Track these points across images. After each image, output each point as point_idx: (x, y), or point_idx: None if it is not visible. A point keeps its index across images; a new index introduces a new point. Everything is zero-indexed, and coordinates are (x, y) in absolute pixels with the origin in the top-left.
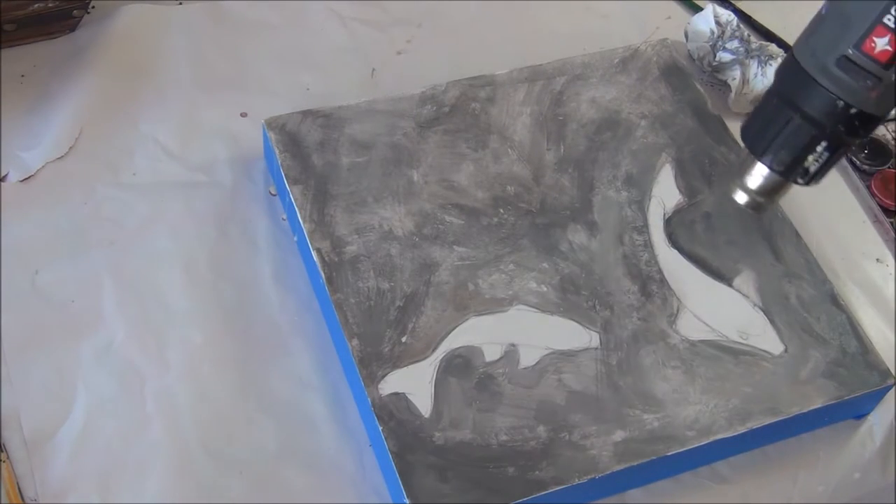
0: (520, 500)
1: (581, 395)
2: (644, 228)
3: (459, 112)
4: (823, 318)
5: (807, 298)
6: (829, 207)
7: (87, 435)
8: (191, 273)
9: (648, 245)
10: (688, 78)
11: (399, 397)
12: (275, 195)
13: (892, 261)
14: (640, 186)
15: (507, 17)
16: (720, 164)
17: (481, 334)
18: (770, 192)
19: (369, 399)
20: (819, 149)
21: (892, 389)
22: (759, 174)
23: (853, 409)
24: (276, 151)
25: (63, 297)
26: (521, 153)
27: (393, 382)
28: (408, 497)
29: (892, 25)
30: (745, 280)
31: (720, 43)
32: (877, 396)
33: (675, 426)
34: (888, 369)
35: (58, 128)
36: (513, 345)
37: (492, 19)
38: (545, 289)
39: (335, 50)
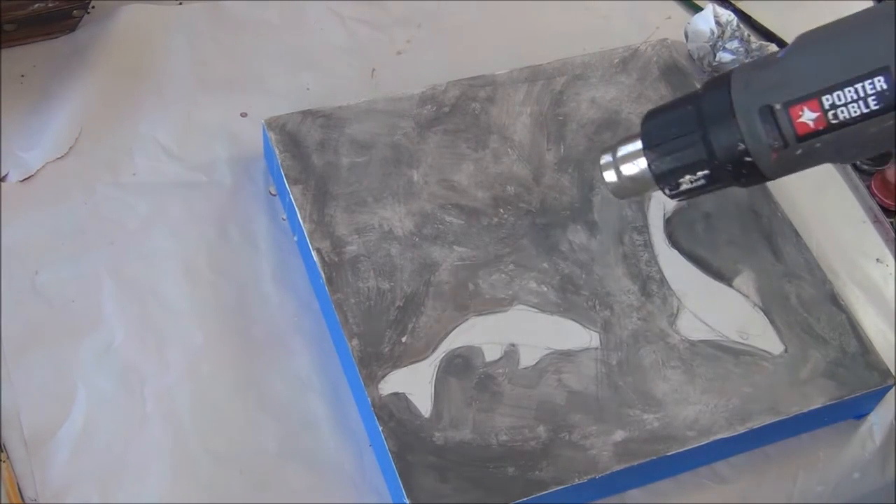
0: (520, 500)
1: (581, 395)
2: (644, 228)
3: (459, 112)
4: (823, 318)
5: (807, 298)
6: (829, 207)
7: (87, 435)
8: (191, 273)
9: (648, 245)
10: (688, 78)
11: (399, 397)
12: (275, 195)
13: (892, 261)
14: None
15: (507, 17)
16: None
17: (481, 334)
18: (639, 185)
19: (369, 399)
20: (699, 174)
21: (892, 389)
22: (636, 165)
23: (853, 409)
24: (276, 151)
25: (63, 297)
26: (521, 153)
27: (393, 382)
28: (408, 497)
29: (826, 107)
30: (745, 280)
31: (720, 43)
32: (877, 396)
33: (675, 426)
34: (888, 369)
35: (58, 128)
36: (513, 345)
37: (492, 19)
38: (545, 289)
39: (335, 50)
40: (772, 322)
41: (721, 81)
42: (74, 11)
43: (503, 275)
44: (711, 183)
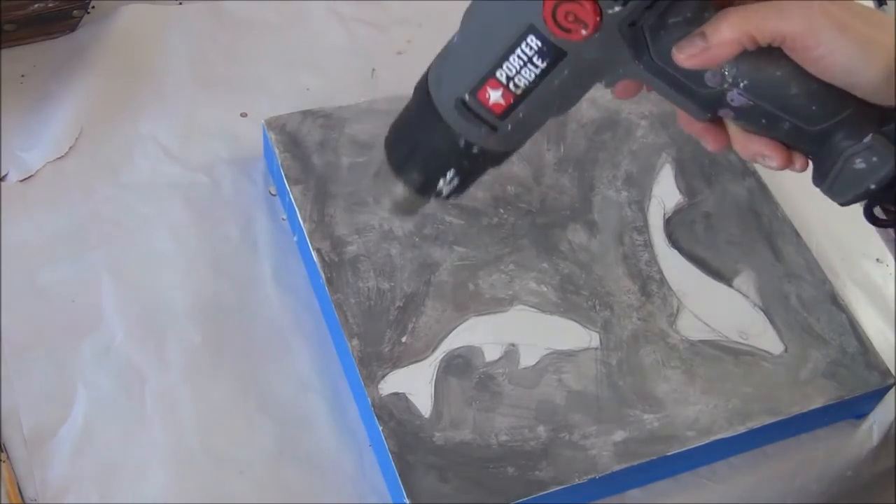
0: (520, 500)
1: (581, 395)
2: (644, 228)
3: None
4: (823, 318)
5: (807, 298)
6: (829, 207)
7: (87, 435)
8: (191, 273)
9: (648, 245)
10: None
11: (399, 397)
12: (275, 195)
13: (892, 261)
14: (640, 186)
15: None
16: (720, 164)
17: (481, 334)
18: (411, 204)
19: (369, 399)
20: (449, 175)
21: (892, 389)
22: (396, 186)
23: (853, 409)
24: (276, 151)
25: (63, 297)
26: (521, 153)
27: (393, 382)
28: (408, 497)
29: (504, 81)
30: (745, 280)
31: None
32: (877, 396)
33: (675, 426)
34: (888, 369)
35: (58, 128)
36: (513, 345)
37: None
38: (545, 289)
39: (335, 50)
40: (772, 322)
41: (422, 84)
42: (74, 11)
43: (503, 275)
44: (466, 177)
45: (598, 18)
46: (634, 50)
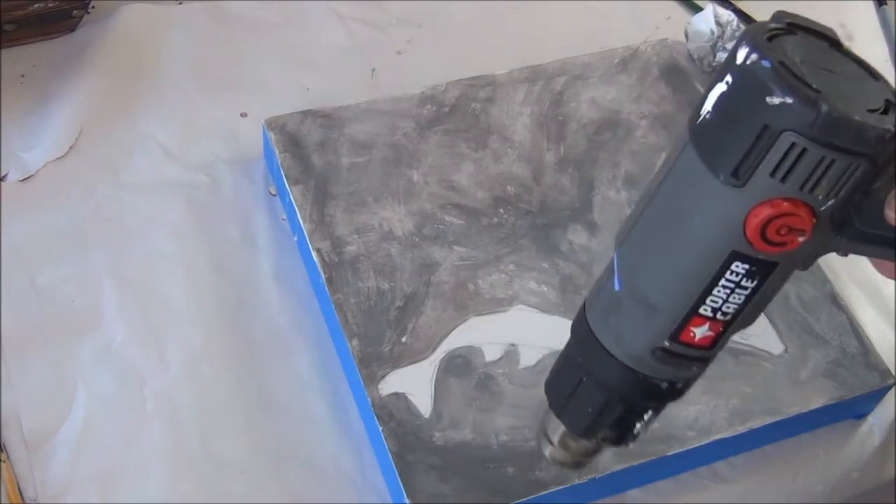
0: (520, 500)
1: None
2: None
3: (459, 112)
4: (823, 318)
5: (807, 298)
6: None
7: (87, 435)
8: (191, 273)
9: None
10: (688, 78)
11: (399, 397)
12: (275, 195)
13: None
14: (640, 186)
15: (507, 17)
16: None
17: (481, 334)
18: (593, 453)
19: (369, 399)
20: (647, 417)
21: (892, 389)
22: (573, 441)
23: (853, 409)
24: (276, 151)
25: (63, 297)
26: (521, 153)
27: (393, 382)
28: (408, 497)
29: (710, 314)
30: None
31: (720, 43)
32: (877, 396)
33: (675, 426)
34: (888, 369)
35: (58, 128)
36: (513, 345)
37: (492, 19)
38: (545, 289)
39: (335, 50)
40: (772, 322)
41: (591, 345)
42: (74, 11)
43: (503, 275)
44: (661, 408)
45: (813, 220)
46: (838, 228)
